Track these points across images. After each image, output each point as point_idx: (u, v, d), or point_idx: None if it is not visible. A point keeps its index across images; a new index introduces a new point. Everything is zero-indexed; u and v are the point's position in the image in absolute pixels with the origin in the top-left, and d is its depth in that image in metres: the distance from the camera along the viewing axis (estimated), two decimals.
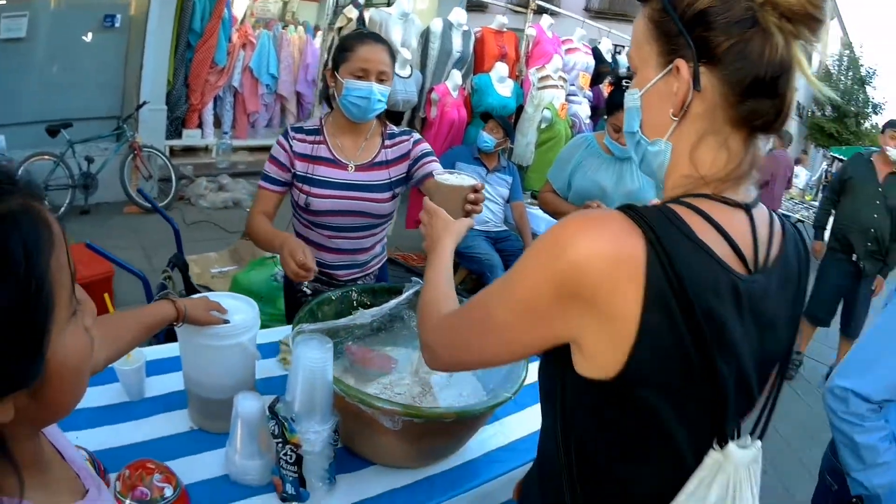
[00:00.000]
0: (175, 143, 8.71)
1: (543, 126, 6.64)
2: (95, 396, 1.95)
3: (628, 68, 1.29)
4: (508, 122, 5.84)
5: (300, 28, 10.19)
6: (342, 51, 2.51)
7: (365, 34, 2.59)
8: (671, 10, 1.05)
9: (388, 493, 1.79)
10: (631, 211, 1.01)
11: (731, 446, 1.05)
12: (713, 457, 1.05)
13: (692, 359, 0.98)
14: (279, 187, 2.59)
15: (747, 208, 1.11)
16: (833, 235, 6.14)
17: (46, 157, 6.50)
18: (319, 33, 10.32)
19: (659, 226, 0.99)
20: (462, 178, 1.73)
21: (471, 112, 6.24)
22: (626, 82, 1.37)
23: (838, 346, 6.41)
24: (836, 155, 23.17)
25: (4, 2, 6.73)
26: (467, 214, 1.75)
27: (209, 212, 7.62)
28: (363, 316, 2.09)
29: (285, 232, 2.49)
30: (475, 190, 1.74)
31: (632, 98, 1.16)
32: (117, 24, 7.54)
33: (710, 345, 0.97)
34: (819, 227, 6.50)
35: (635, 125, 1.17)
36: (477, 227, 5.24)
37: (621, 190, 3.62)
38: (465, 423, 1.81)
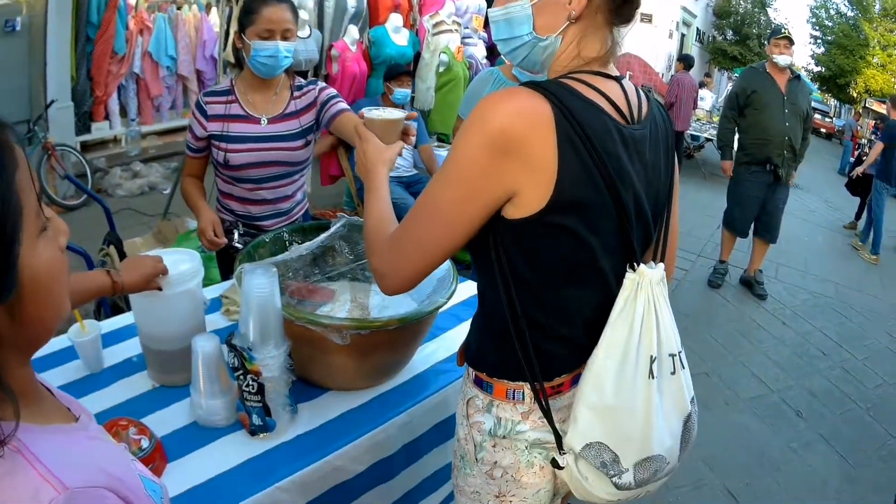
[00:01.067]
0: (86, 138, 8.52)
1: (441, 70, 6.73)
2: (56, 376, 2.00)
3: None
4: (410, 70, 5.97)
5: (194, 7, 10.06)
6: (248, 13, 2.60)
7: None
8: None
9: (347, 413, 1.90)
10: (532, 84, 1.28)
11: (643, 267, 1.35)
12: (630, 277, 1.35)
13: (600, 188, 1.26)
14: (198, 154, 2.74)
15: (618, 79, 1.40)
16: (743, 150, 6.22)
17: None
18: (214, 10, 10.21)
19: (557, 91, 1.26)
20: (390, 111, 1.72)
21: (370, 64, 6.30)
22: None
23: (752, 250, 6.80)
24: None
25: None
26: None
27: (127, 199, 7.53)
28: (297, 250, 2.19)
29: (203, 201, 2.74)
30: (407, 119, 1.76)
31: (522, 8, 1.37)
32: (17, 28, 7.36)
33: (612, 175, 1.26)
34: (725, 146, 6.51)
35: (525, 29, 1.39)
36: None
37: None
38: (407, 331, 1.92)
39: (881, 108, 25.09)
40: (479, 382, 1.52)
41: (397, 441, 1.91)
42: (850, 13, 36.53)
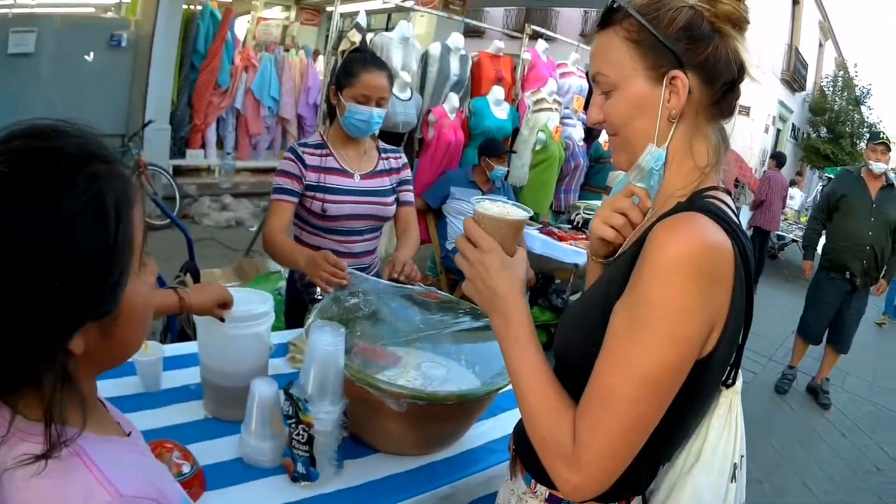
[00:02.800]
0: (179, 162, 8.84)
1: (538, 148, 6.76)
2: (111, 388, 2.04)
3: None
4: (507, 148, 6.02)
5: (301, 52, 10.36)
6: (347, 74, 2.73)
7: (367, 59, 2.81)
8: (653, 29, 1.21)
9: (392, 477, 1.89)
10: (708, 212, 1.16)
11: (738, 382, 1.32)
12: (726, 394, 1.31)
13: (740, 326, 1.21)
14: (294, 198, 2.77)
15: (728, 192, 1.31)
16: (825, 255, 6.05)
17: None
18: (320, 57, 10.51)
19: (729, 221, 1.16)
20: (507, 207, 1.37)
21: (468, 134, 6.35)
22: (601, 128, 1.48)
23: (822, 358, 6.52)
24: (831, 176, 23.35)
25: (12, 17, 6.87)
26: None
27: (212, 230, 7.76)
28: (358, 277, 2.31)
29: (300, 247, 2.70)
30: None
31: (658, 155, 1.27)
32: (123, 44, 7.68)
33: (752, 302, 1.23)
34: (808, 246, 6.43)
35: (661, 158, 1.27)
36: None
37: None
38: (464, 407, 1.92)
39: None
40: (554, 501, 1.39)
41: None
42: None
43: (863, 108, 30.62)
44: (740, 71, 1.26)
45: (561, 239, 6.36)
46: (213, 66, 8.30)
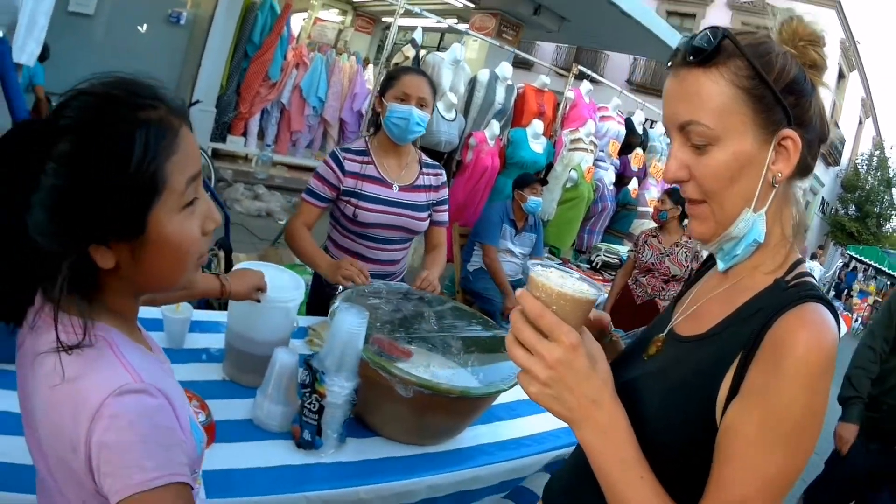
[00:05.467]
0: (219, 146, 9.00)
1: (569, 185, 6.93)
2: None
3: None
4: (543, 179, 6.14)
5: (352, 57, 10.53)
6: (389, 79, 2.90)
7: (409, 67, 2.99)
8: (767, 78, 1.05)
9: (388, 460, 2.02)
10: (822, 300, 1.06)
11: None
12: None
13: None
14: (322, 203, 2.91)
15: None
16: (868, 410, 3.66)
17: None
18: (370, 66, 10.70)
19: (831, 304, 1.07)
20: (573, 280, 1.08)
21: (504, 162, 6.50)
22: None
23: None
24: (853, 254, 23.10)
25: None
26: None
27: (243, 217, 7.89)
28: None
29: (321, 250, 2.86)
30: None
31: (754, 222, 1.12)
32: (182, 22, 7.85)
33: None
34: (856, 397, 3.64)
35: (757, 227, 1.13)
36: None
37: None
38: (464, 404, 2.07)
39: None
40: None
41: (418, 494, 2.01)
42: None
43: (894, 191, 30.54)
44: (829, 127, 1.14)
45: None
46: (266, 58, 8.43)
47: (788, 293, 1.08)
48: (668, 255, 5.46)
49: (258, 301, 2.08)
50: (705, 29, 1.09)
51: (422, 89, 2.85)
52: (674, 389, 1.14)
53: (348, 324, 1.87)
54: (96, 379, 0.96)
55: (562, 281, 1.04)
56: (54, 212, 0.93)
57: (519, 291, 1.07)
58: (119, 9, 7.54)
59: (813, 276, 1.14)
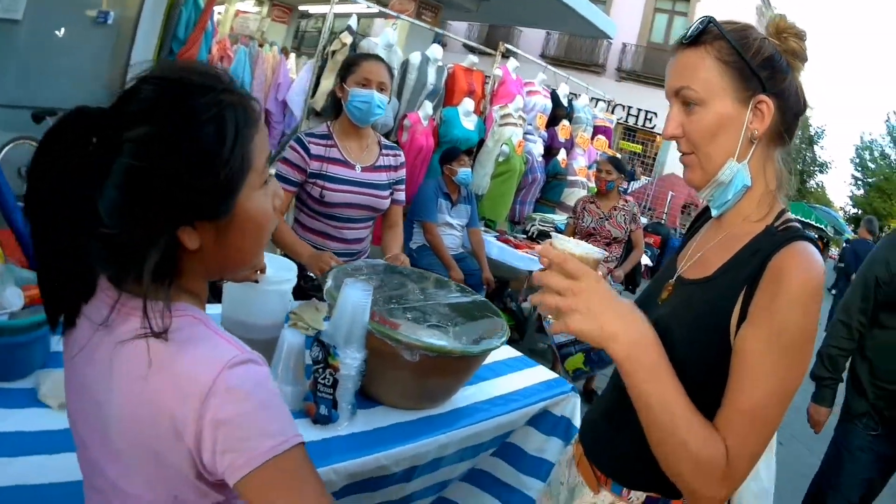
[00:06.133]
0: None
1: (501, 160, 7.08)
2: None
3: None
4: (470, 150, 6.34)
5: (274, 48, 10.46)
6: (350, 66, 3.03)
7: (369, 54, 3.14)
8: (744, 54, 1.30)
9: (397, 425, 2.15)
10: (811, 241, 1.29)
11: None
12: None
13: None
14: (293, 187, 3.02)
15: None
16: (856, 390, 3.38)
17: (30, 141, 6.44)
18: (292, 56, 10.65)
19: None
20: (581, 245, 1.31)
21: (437, 141, 6.62)
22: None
23: None
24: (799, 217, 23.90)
25: None
26: None
27: None
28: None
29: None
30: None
31: (738, 170, 1.36)
32: (109, 21, 7.70)
33: None
34: (830, 378, 3.40)
35: (741, 174, 1.37)
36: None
37: None
38: (463, 363, 2.21)
39: None
40: (651, 503, 1.48)
41: (429, 455, 2.14)
42: (893, 156, 37.15)
43: (815, 148, 31.53)
44: (805, 105, 1.39)
45: (517, 247, 6.74)
46: (192, 53, 8.23)
47: (780, 236, 1.32)
48: (607, 219, 5.72)
49: (256, 282, 2.16)
50: (698, 20, 1.36)
51: (381, 74, 3.00)
52: (690, 325, 1.35)
53: (355, 297, 1.96)
54: (200, 357, 0.97)
55: (571, 245, 1.27)
56: (145, 197, 0.93)
57: (539, 247, 1.33)
58: (47, 12, 7.31)
59: (798, 222, 1.36)
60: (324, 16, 6.27)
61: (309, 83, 5.98)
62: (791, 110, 1.37)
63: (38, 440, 1.54)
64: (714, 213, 1.49)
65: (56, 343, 1.91)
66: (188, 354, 0.97)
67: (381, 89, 2.99)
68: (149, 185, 0.92)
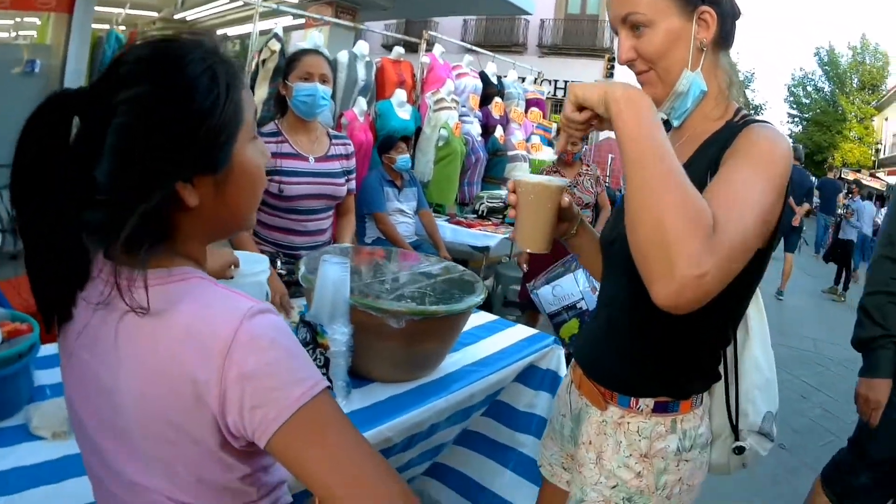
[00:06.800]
0: None
1: (441, 144, 7.10)
2: None
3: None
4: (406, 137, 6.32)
5: None
6: (290, 63, 3.07)
7: (308, 49, 3.18)
8: None
9: (394, 398, 2.16)
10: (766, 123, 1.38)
11: None
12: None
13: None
14: None
15: None
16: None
17: None
18: None
19: None
20: (541, 176, 1.52)
21: (375, 135, 6.60)
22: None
23: None
24: None
25: None
26: (560, 220, 1.67)
27: None
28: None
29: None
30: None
31: (693, 78, 1.44)
32: (37, 70, 7.60)
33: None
34: (882, 335, 2.51)
35: (698, 81, 1.44)
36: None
37: None
38: (448, 323, 2.23)
39: (855, 177, 25.74)
40: (662, 408, 1.54)
41: (428, 422, 2.17)
42: (826, 88, 37.91)
43: (747, 92, 32.12)
44: (738, 10, 1.48)
45: (469, 226, 6.82)
46: None
47: (740, 125, 1.40)
48: (575, 186, 5.83)
49: (232, 277, 2.17)
50: None
51: (322, 66, 3.05)
52: None
53: (333, 273, 1.98)
54: (216, 313, 0.95)
55: (534, 176, 1.47)
56: (144, 156, 0.91)
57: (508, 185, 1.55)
58: None
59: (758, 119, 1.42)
60: (240, 38, 6.26)
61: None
62: (728, 15, 1.45)
63: (39, 472, 1.52)
64: (675, 123, 1.55)
65: (40, 377, 1.92)
66: (203, 313, 0.96)
67: (323, 81, 3.03)
68: (147, 142, 0.92)
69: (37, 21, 7.74)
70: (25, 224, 0.97)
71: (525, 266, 5.79)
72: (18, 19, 7.66)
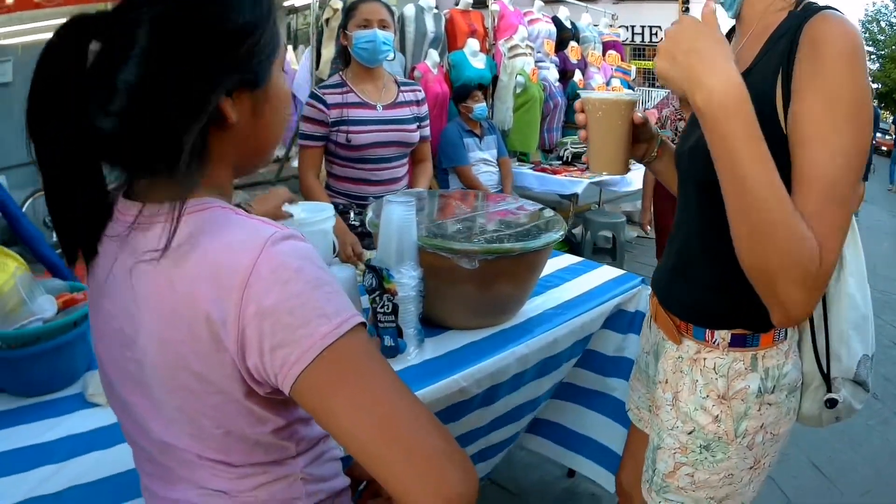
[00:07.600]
0: None
1: (518, 91, 6.93)
2: None
3: None
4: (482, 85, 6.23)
5: None
6: (348, 13, 3.00)
7: None
8: None
9: (470, 345, 2.03)
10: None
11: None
12: None
13: None
14: (319, 142, 2.98)
15: None
16: None
17: None
18: (289, 49, 10.54)
19: None
20: (609, 92, 1.43)
21: (451, 86, 6.47)
22: None
23: None
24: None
25: None
26: (636, 140, 1.60)
27: None
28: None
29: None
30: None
31: None
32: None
33: None
34: None
35: None
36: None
37: None
38: (526, 262, 2.07)
39: None
40: (739, 341, 1.42)
41: (510, 370, 2.03)
42: None
43: None
44: None
45: (555, 173, 6.67)
46: None
47: (804, 13, 1.25)
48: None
49: (289, 216, 2.09)
50: None
51: (380, 12, 2.96)
52: None
53: (398, 213, 1.86)
54: (236, 241, 0.85)
55: (602, 93, 1.39)
56: (181, 56, 0.85)
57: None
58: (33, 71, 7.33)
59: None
60: (308, 6, 6.22)
61: (311, 70, 5.91)
62: None
63: (90, 439, 1.51)
64: (729, 14, 1.42)
65: None
66: (221, 243, 0.85)
67: (382, 27, 2.94)
68: (188, 45, 0.85)
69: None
70: (42, 154, 0.89)
71: (649, 227, 5.53)
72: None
